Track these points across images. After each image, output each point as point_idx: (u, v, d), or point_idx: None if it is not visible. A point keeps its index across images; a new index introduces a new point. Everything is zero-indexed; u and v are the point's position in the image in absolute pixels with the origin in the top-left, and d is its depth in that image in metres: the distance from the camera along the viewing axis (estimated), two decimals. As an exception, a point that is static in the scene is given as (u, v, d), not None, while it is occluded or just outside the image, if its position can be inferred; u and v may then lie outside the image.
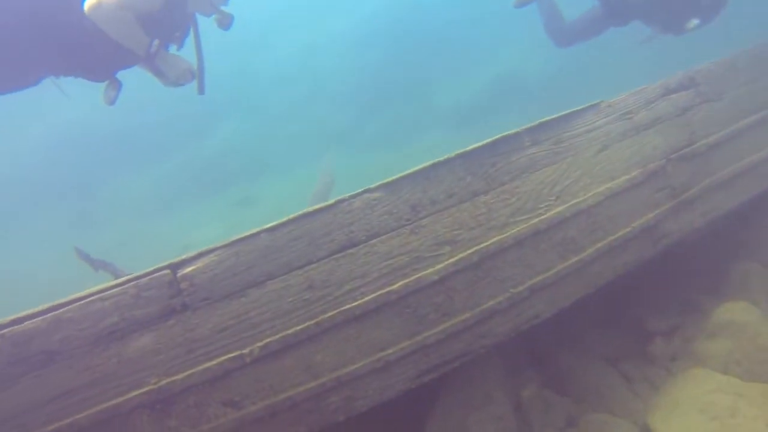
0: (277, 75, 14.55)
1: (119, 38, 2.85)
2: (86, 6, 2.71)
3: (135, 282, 1.68)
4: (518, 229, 2.14)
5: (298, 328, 1.82)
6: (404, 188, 2.01)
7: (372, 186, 1.98)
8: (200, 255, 1.78)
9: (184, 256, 1.76)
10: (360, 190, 1.96)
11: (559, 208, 2.24)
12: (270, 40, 15.53)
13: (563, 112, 2.40)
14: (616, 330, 2.92)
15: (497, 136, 2.19)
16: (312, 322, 1.84)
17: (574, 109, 2.45)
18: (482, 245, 2.06)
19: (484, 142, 2.17)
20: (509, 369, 2.65)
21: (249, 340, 1.78)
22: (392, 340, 1.94)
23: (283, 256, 1.85)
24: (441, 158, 2.08)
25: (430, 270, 1.98)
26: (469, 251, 2.04)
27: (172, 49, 3.40)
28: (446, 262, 2.00)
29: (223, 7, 3.45)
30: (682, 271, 3.02)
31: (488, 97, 11.07)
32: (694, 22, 4.41)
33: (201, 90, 3.31)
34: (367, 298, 1.90)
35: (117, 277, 3.24)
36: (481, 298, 2.06)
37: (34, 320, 1.61)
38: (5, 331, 1.58)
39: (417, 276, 1.96)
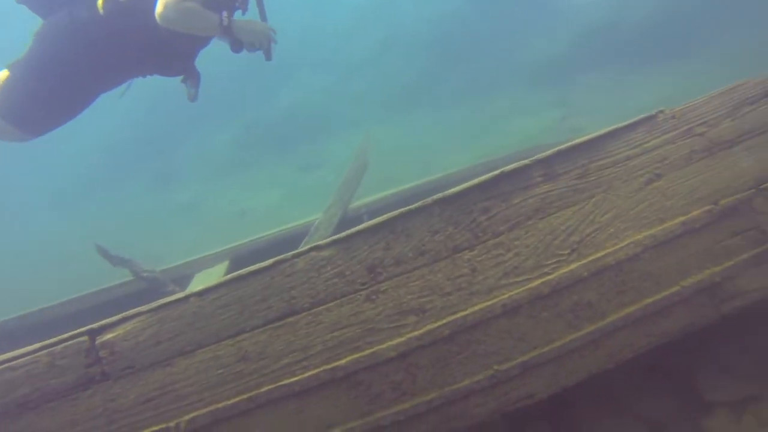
0: (347, 27, 13.69)
1: (193, 30, 2.74)
2: (157, 16, 2.60)
3: (48, 350, 1.58)
4: (510, 294, 1.70)
5: (230, 402, 1.63)
6: (361, 245, 1.65)
7: (321, 243, 1.65)
8: (121, 321, 1.62)
9: (103, 322, 1.61)
10: (306, 248, 1.65)
11: (574, 266, 1.74)
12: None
13: (596, 133, 1.82)
14: (665, 382, 2.38)
15: (495, 172, 1.71)
16: (245, 396, 1.63)
17: (614, 126, 1.85)
18: (459, 314, 1.67)
19: (476, 180, 1.70)
20: (515, 422, 2.29)
21: (176, 412, 1.62)
22: (340, 418, 1.68)
23: (213, 324, 1.63)
24: (412, 206, 1.67)
25: (387, 344, 1.65)
26: (440, 322, 1.66)
27: (238, 14, 3.23)
28: (409, 335, 1.65)
29: None
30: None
31: (577, 51, 9.53)
32: None
33: (269, 56, 3.08)
34: (308, 374, 1.64)
35: (136, 275, 3.33)
36: (454, 377, 1.70)
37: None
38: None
39: (371, 351, 1.65)
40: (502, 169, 1.69)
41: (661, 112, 1.90)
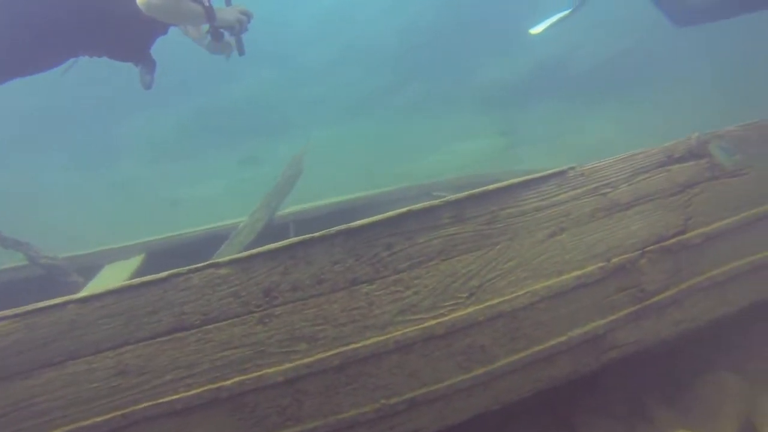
0: (311, 28, 13.50)
1: (178, 19, 2.63)
2: (140, 3, 2.43)
3: None
4: (404, 331, 1.73)
5: (99, 418, 1.55)
6: (259, 267, 1.63)
7: (220, 260, 1.62)
8: (-18, 323, 1.50)
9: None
10: (203, 264, 1.61)
11: (470, 309, 1.80)
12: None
13: (509, 181, 1.89)
14: (549, 418, 2.50)
15: (403, 210, 1.73)
16: (119, 413, 1.56)
17: (527, 176, 1.93)
18: (351, 346, 1.68)
19: (383, 215, 1.72)
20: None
21: (29, 431, 1.52)
22: (220, 440, 1.65)
23: (93, 334, 1.55)
24: (315, 234, 1.66)
25: (276, 368, 1.63)
26: (331, 352, 1.66)
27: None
28: (298, 362, 1.65)
29: None
30: (638, 363, 2.52)
31: (529, 81, 9.98)
32: None
33: (241, 48, 2.95)
34: (192, 392, 1.59)
35: (32, 260, 3.12)
36: (341, 406, 1.70)
37: None
38: None
39: (258, 374, 1.63)
40: (410, 208, 1.72)
41: (572, 168, 2.01)
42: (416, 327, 1.73)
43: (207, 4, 2.63)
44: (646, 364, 2.45)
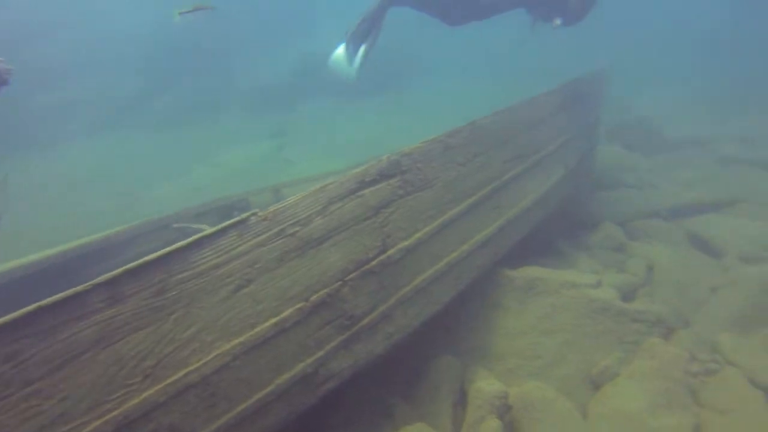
0: (49, 19, 11.21)
1: None
2: None
3: None
4: (59, 444, 1.46)
5: None
6: None
7: None
8: None
9: None
10: None
11: (148, 393, 1.61)
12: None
13: (176, 245, 1.73)
14: None
15: (30, 307, 1.44)
16: None
17: (201, 234, 1.79)
18: (-19, 488, 1.36)
19: (3, 319, 1.41)
20: None
21: None
22: None
23: None
24: None
25: None
26: (-51, 506, 1.32)
27: None
28: None
29: None
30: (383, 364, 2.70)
31: (294, 81, 10.09)
32: (557, 21, 4.34)
33: None
34: None
35: None
36: None
37: None
38: None
39: None
40: (40, 303, 1.44)
41: (255, 214, 1.94)
42: (76, 434, 1.48)
43: None
44: (393, 361, 2.58)
